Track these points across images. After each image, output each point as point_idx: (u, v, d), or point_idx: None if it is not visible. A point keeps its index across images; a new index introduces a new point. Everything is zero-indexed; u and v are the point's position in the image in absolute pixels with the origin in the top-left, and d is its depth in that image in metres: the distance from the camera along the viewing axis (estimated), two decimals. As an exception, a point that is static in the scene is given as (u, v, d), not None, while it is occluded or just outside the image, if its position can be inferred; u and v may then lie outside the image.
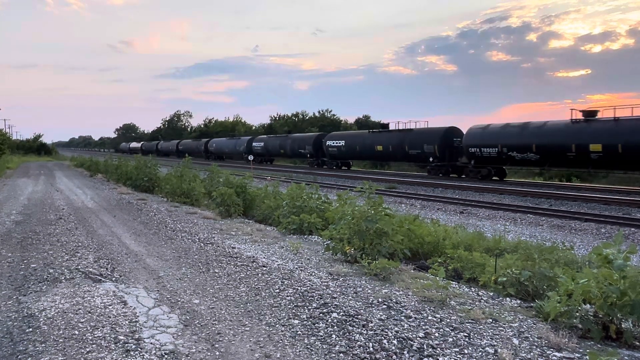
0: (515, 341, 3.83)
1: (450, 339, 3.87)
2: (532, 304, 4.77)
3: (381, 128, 36.41)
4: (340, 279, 5.66)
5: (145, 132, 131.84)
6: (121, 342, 3.86)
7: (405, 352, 3.65)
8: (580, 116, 22.75)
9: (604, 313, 3.90)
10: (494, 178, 26.42)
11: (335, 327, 4.15)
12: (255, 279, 5.72)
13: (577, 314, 4.05)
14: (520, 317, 4.42)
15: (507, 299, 5.05)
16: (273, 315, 4.51)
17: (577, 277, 4.11)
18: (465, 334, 3.96)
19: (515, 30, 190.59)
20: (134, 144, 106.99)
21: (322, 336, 3.99)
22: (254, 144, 51.74)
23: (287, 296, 5.04)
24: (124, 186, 18.85)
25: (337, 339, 3.93)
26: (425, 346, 3.73)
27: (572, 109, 23.30)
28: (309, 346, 3.81)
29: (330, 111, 73.90)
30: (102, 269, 6.29)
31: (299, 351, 3.72)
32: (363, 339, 3.88)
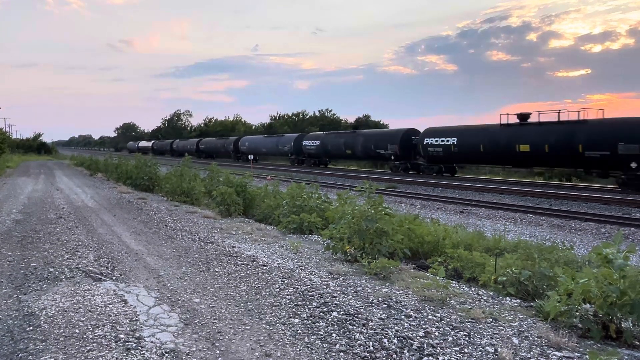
0: (515, 340, 3.84)
1: (451, 338, 3.87)
2: (532, 304, 4.77)
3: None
4: (341, 278, 5.66)
5: (145, 131, 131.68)
6: (122, 341, 3.87)
7: (405, 351, 3.65)
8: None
9: (604, 312, 3.90)
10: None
11: (335, 326, 4.16)
12: (256, 278, 5.72)
13: (577, 313, 4.05)
14: (520, 316, 4.43)
15: (507, 298, 5.06)
16: (273, 314, 4.51)
17: (577, 276, 4.12)
18: (465, 333, 3.97)
19: (515, 30, 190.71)
20: (143, 143, 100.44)
21: (322, 335, 3.99)
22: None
23: (287, 295, 5.04)
24: (124, 185, 18.86)
25: (338, 338, 3.93)
26: (425, 345, 3.73)
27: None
28: (309, 345, 3.81)
29: (331, 110, 74.08)
30: (102, 268, 6.29)
31: (299, 350, 3.72)
32: (363, 338, 3.88)
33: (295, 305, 4.74)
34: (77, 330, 4.12)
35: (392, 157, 32.81)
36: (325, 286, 5.33)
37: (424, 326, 4.13)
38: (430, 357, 3.55)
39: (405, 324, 4.19)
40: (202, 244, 7.85)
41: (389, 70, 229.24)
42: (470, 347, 3.70)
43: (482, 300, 4.97)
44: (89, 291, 5.25)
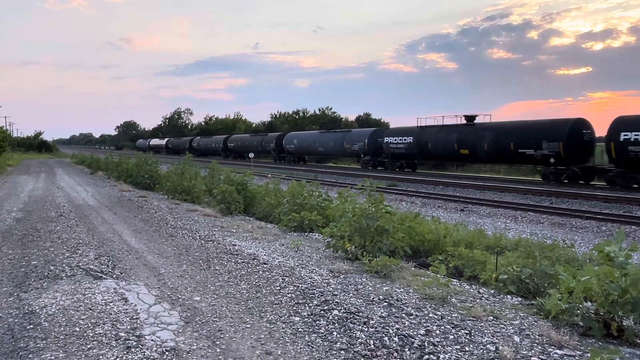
0: (517, 339, 3.83)
1: (451, 337, 3.86)
2: (533, 302, 4.76)
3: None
4: (341, 277, 5.66)
5: (146, 129, 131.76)
6: (122, 339, 3.87)
7: (406, 349, 3.64)
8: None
9: (605, 310, 3.89)
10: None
11: (336, 325, 4.15)
12: (256, 277, 5.72)
13: (578, 311, 4.04)
14: (521, 314, 4.42)
15: (508, 296, 5.05)
16: (274, 312, 4.50)
17: (578, 274, 4.10)
18: (466, 332, 3.96)
19: (516, 27, 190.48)
20: (155, 141, 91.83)
21: (323, 333, 3.99)
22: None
23: (288, 293, 5.04)
24: (125, 183, 18.86)
25: (338, 336, 3.93)
26: (426, 343, 3.73)
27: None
28: (309, 343, 3.81)
29: (331, 109, 73.92)
30: (102, 266, 6.29)
31: (300, 348, 3.72)
32: (364, 336, 3.88)
33: (295, 303, 4.74)
34: (77, 329, 4.12)
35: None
36: (326, 284, 5.33)
37: (424, 324, 4.12)
38: (431, 356, 3.54)
39: (406, 322, 4.18)
40: (203, 242, 7.84)
41: (389, 68, 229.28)
42: (471, 345, 3.70)
43: (483, 298, 4.96)
44: (90, 289, 5.25)
